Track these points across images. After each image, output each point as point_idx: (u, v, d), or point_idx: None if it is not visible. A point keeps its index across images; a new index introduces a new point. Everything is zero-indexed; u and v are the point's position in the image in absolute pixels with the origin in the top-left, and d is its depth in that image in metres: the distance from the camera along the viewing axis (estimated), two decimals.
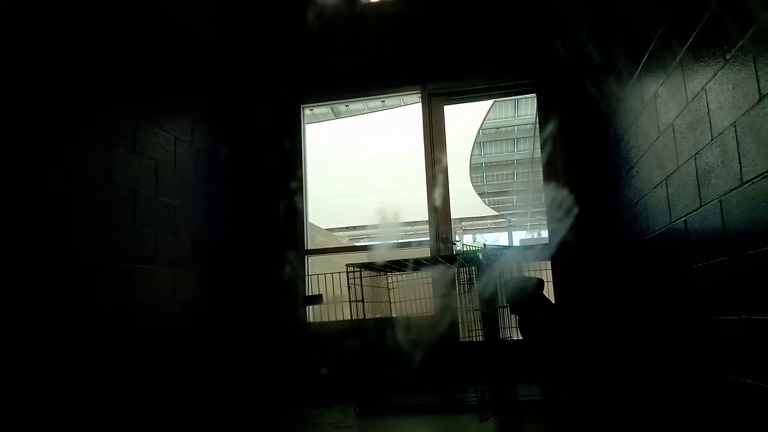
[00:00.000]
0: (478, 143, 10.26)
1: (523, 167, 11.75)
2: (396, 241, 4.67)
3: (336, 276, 3.88)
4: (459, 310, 3.65)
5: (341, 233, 13.02)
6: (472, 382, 3.09)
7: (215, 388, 3.74)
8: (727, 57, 1.94)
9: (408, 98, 5.95)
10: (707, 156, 2.16)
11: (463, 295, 3.19)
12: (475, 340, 2.97)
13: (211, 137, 4.03)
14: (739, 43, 1.84)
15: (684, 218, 2.43)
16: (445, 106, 4.46)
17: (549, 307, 3.28)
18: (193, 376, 3.50)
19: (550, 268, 3.59)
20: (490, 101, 7.86)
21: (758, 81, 1.74)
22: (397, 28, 4.43)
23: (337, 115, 8.00)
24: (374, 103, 7.24)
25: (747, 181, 1.85)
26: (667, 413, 2.73)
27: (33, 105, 2.43)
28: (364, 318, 3.39)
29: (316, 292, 4.15)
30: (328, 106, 7.21)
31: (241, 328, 4.13)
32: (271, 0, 4.64)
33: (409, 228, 12.38)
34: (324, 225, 9.65)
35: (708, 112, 2.12)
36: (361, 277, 3.42)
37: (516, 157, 11.34)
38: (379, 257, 3.65)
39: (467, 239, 15.36)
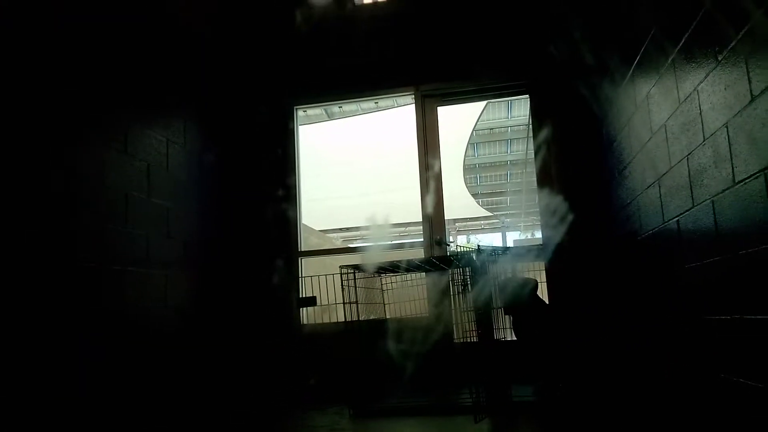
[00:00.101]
0: (472, 144, 10.27)
1: (517, 168, 11.77)
2: (389, 243, 4.66)
3: (330, 278, 3.88)
4: (453, 311, 3.64)
5: (335, 235, 13.00)
6: (467, 383, 3.09)
7: (209, 390, 3.72)
8: (719, 58, 1.94)
9: (401, 99, 5.96)
10: (699, 157, 2.17)
11: (457, 296, 3.19)
12: (469, 341, 2.97)
13: (204, 139, 4.01)
14: (731, 44, 1.85)
15: (677, 218, 2.44)
16: (438, 107, 4.46)
17: (543, 308, 3.29)
18: (187, 378, 3.48)
19: (544, 268, 3.60)
20: (484, 102, 7.88)
21: (750, 82, 1.75)
22: (391, 29, 4.43)
23: (330, 117, 7.99)
24: (368, 104, 7.24)
25: (739, 182, 1.86)
26: (661, 413, 2.73)
27: (24, 107, 2.41)
28: (359, 320, 3.38)
29: (310, 294, 4.13)
30: (322, 108, 7.20)
31: (235, 330, 4.11)
32: (263, 2, 4.63)
33: (402, 229, 12.39)
34: (317, 227, 9.63)
35: (700, 113, 2.13)
36: (354, 279, 3.41)
37: (509, 158, 11.36)
38: (373, 259, 3.64)
39: (461, 240, 15.37)
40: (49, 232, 2.49)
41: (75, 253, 2.63)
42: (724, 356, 2.06)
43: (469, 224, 15.53)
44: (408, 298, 3.95)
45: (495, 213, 14.72)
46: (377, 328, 3.76)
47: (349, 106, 7.53)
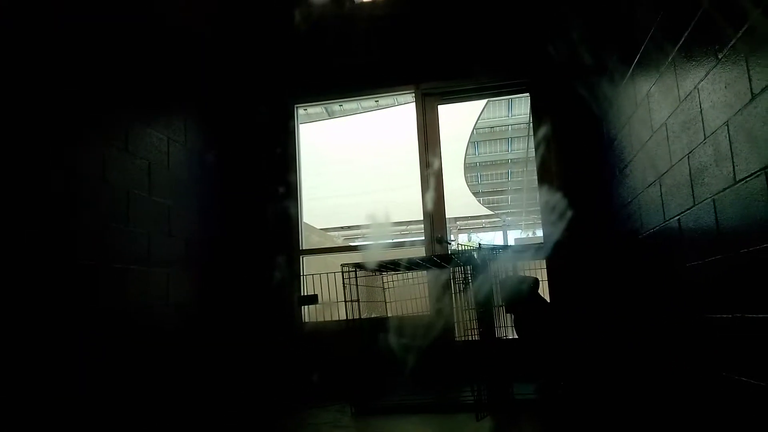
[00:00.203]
0: (473, 143, 10.28)
1: (518, 167, 11.78)
2: (390, 241, 4.67)
3: (331, 276, 3.88)
4: (455, 309, 3.65)
5: (336, 233, 13.02)
6: (468, 381, 3.09)
7: (211, 388, 3.73)
8: (719, 56, 1.94)
9: (402, 98, 5.95)
10: (700, 155, 2.17)
11: (458, 295, 3.19)
12: (470, 339, 2.97)
13: (205, 137, 4.02)
14: (731, 42, 1.85)
15: (678, 217, 2.44)
16: (438, 106, 4.46)
17: (544, 306, 3.29)
18: (189, 376, 3.49)
19: (545, 267, 3.61)
20: (484, 101, 7.88)
21: (750, 80, 1.75)
22: (391, 28, 4.43)
23: (331, 115, 8.00)
24: (368, 102, 7.24)
25: (740, 180, 1.86)
26: (662, 411, 2.74)
27: (25, 106, 2.42)
28: (360, 318, 3.39)
29: (311, 292, 4.14)
30: (322, 106, 7.21)
31: (237, 328, 4.12)
32: (263, 1, 4.63)
33: (404, 228, 12.39)
34: (319, 225, 9.64)
35: (701, 111, 2.13)
36: (356, 277, 3.42)
37: (510, 156, 11.37)
38: (374, 257, 3.65)
39: (462, 239, 15.37)
40: (50, 230, 2.49)
41: (76, 252, 2.64)
42: (725, 355, 2.06)
43: (470, 223, 15.54)
44: (409, 297, 3.95)
45: (496, 211, 14.72)
46: (379, 326, 3.77)
47: (349, 105, 7.53)
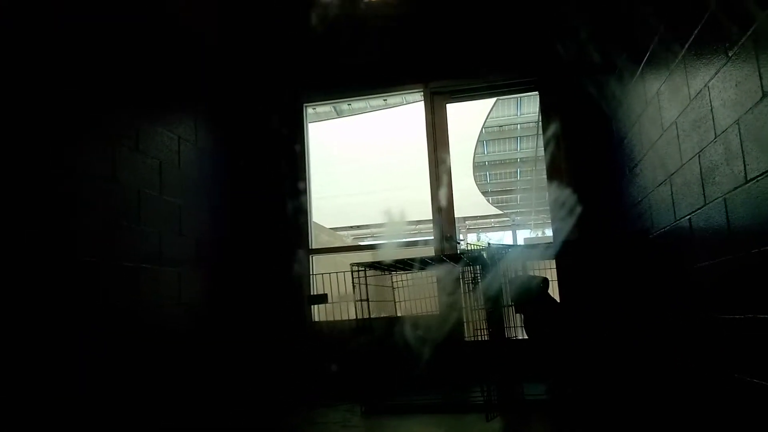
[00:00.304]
0: (481, 142, 10.25)
1: (527, 165, 11.73)
2: (401, 241, 4.67)
3: (341, 275, 3.89)
4: (464, 309, 3.65)
5: (345, 232, 13.03)
6: (478, 382, 3.09)
7: (221, 386, 3.75)
8: (730, 54, 1.93)
9: (410, 96, 5.94)
10: (711, 154, 2.16)
11: (468, 295, 3.19)
12: (480, 339, 2.97)
13: (215, 136, 4.04)
14: (741, 41, 1.84)
15: (688, 216, 2.43)
16: (447, 105, 4.46)
17: (554, 306, 3.28)
18: (200, 374, 3.52)
19: (555, 266, 3.59)
20: (493, 99, 7.86)
21: (761, 78, 1.74)
22: (400, 27, 4.43)
23: (339, 114, 8.01)
24: (377, 101, 7.24)
25: (751, 179, 1.85)
26: (673, 412, 2.73)
27: (37, 105, 2.44)
28: (370, 317, 3.40)
29: (321, 292, 4.15)
30: (331, 105, 7.21)
31: (247, 327, 4.14)
32: (274, 1, 4.64)
33: (413, 227, 12.38)
34: (328, 224, 9.66)
35: (711, 110, 2.12)
36: (365, 277, 3.43)
37: (519, 155, 11.32)
38: (384, 256, 3.65)
39: (471, 238, 15.34)
40: (61, 228, 2.52)
41: (87, 250, 2.66)
42: (737, 356, 2.05)
43: (479, 222, 15.50)
44: (419, 296, 3.95)
45: (505, 211, 14.68)
46: (388, 325, 3.78)
47: (358, 104, 7.53)
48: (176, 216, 3.45)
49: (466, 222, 14.33)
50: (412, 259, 3.46)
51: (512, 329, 3.25)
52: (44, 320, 2.37)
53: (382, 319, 3.79)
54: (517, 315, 3.32)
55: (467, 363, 3.63)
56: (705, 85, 2.15)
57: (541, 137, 4.67)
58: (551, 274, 3.49)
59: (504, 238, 16.50)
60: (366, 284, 3.42)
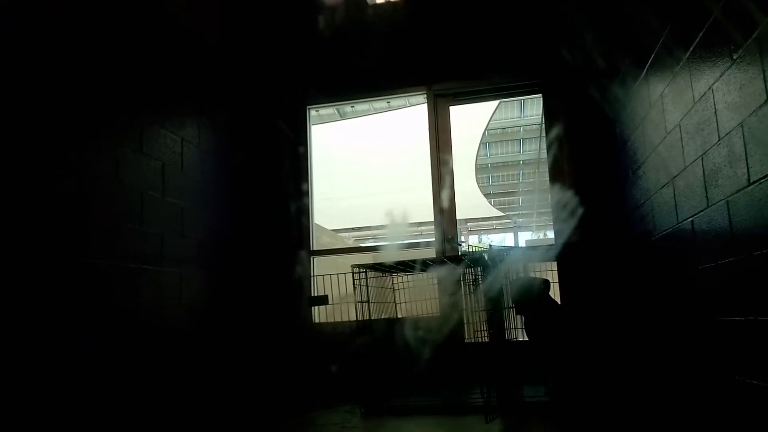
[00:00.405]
0: (484, 144, 10.24)
1: (529, 168, 11.71)
2: (402, 242, 4.67)
3: (342, 277, 3.89)
4: (465, 310, 3.64)
5: (347, 234, 13.03)
6: (478, 383, 3.09)
7: (221, 387, 3.75)
8: (734, 57, 1.93)
9: (413, 99, 5.95)
10: (714, 156, 2.15)
11: (468, 296, 3.19)
12: (480, 341, 2.97)
13: (218, 138, 4.05)
14: (746, 44, 1.84)
15: (691, 219, 2.42)
16: (450, 107, 4.46)
17: (555, 308, 3.28)
18: (200, 375, 3.52)
19: (556, 268, 3.59)
20: (496, 102, 7.85)
21: (765, 81, 1.74)
22: (404, 29, 4.44)
23: (342, 116, 8.00)
24: (380, 104, 7.25)
25: (754, 182, 1.85)
26: (674, 414, 2.72)
27: (39, 105, 2.45)
28: (370, 319, 3.39)
29: (321, 293, 4.15)
30: (334, 107, 7.22)
31: (247, 328, 4.14)
32: (276, 2, 4.65)
33: (414, 229, 12.37)
34: (329, 226, 9.66)
35: (715, 113, 2.12)
36: (366, 278, 3.42)
37: (522, 157, 11.30)
38: (385, 258, 3.65)
39: (473, 240, 15.33)
40: (64, 229, 2.52)
41: (90, 251, 2.67)
42: (738, 358, 2.04)
43: (481, 224, 15.48)
44: (419, 298, 3.95)
45: (507, 213, 14.66)
46: (389, 327, 3.77)
47: (361, 106, 7.53)
48: (178, 217, 3.46)
49: (468, 224, 14.32)
50: (414, 261, 3.45)
51: (513, 331, 3.25)
52: (46, 320, 2.37)
53: (382, 320, 3.79)
54: (518, 317, 3.32)
55: (467, 364, 3.62)
56: (709, 88, 2.15)
57: (543, 140, 4.67)
58: (553, 276, 3.49)
59: (505, 240, 16.48)
60: (367, 286, 3.42)
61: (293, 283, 4.28)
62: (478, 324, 3.00)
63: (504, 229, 16.23)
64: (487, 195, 12.52)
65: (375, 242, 13.18)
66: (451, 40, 4.36)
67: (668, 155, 2.66)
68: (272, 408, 3.59)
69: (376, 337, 3.45)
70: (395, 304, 3.97)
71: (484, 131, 9.08)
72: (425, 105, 4.46)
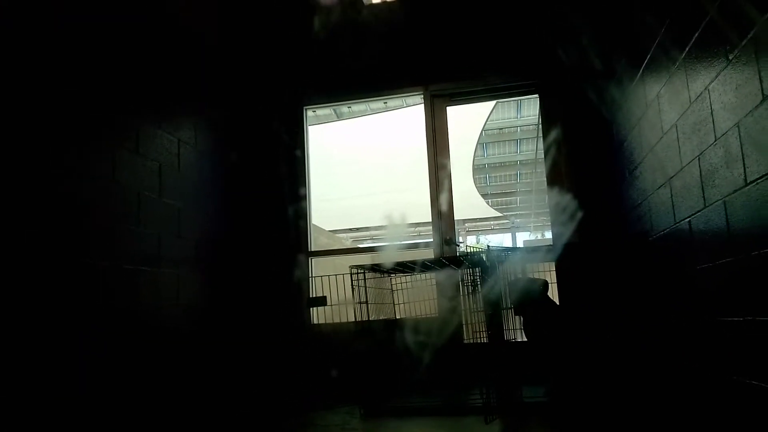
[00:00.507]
0: (481, 144, 10.25)
1: (527, 168, 11.73)
2: (400, 243, 4.67)
3: (340, 277, 3.89)
4: (463, 311, 3.65)
5: (344, 235, 13.03)
6: (477, 384, 3.09)
7: (220, 388, 3.74)
8: (730, 57, 1.94)
9: (410, 99, 5.96)
10: (711, 157, 2.16)
11: (467, 297, 3.19)
12: (479, 341, 2.97)
13: (215, 139, 4.04)
14: (742, 43, 1.84)
15: (688, 219, 2.43)
16: (447, 107, 4.46)
17: (553, 309, 3.28)
18: (198, 376, 3.51)
19: (555, 269, 3.59)
20: (493, 102, 7.86)
21: (761, 81, 1.74)
22: (400, 30, 4.44)
23: (339, 117, 8.01)
24: (377, 104, 7.25)
25: (751, 182, 1.85)
26: (673, 415, 2.72)
27: (38, 104, 2.44)
28: (369, 320, 3.39)
29: (320, 294, 4.15)
30: (331, 108, 7.22)
31: (246, 329, 4.14)
32: (272, 3, 4.65)
33: (412, 229, 12.38)
34: (327, 227, 9.65)
35: (711, 113, 2.12)
36: (365, 279, 3.42)
37: (519, 157, 11.32)
38: (383, 259, 3.65)
39: (471, 240, 15.35)
40: (60, 230, 2.51)
41: (86, 252, 2.66)
42: (736, 358, 2.05)
43: (479, 224, 15.50)
44: (418, 299, 3.95)
45: (505, 213, 14.68)
46: (387, 328, 3.77)
47: (358, 106, 7.54)
48: (175, 218, 3.45)
49: (466, 224, 14.34)
50: (413, 262, 3.45)
51: (512, 331, 3.25)
52: (44, 320, 2.36)
53: (381, 321, 3.79)
54: (517, 317, 3.32)
55: (466, 365, 3.62)
56: (705, 88, 2.15)
57: (540, 140, 4.68)
58: (551, 277, 3.49)
59: (503, 240, 16.50)
60: (365, 287, 3.42)
61: (291, 283, 4.28)
62: (477, 325, 3.00)
63: (502, 230, 16.25)
64: (484, 195, 12.54)
65: (373, 243, 13.19)
66: (447, 40, 4.36)
67: (665, 155, 2.66)
68: (272, 408, 3.59)
69: (375, 338, 3.45)
70: (394, 305, 3.97)
71: (481, 131, 9.09)
72: (422, 105, 4.47)
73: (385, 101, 6.78)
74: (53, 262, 2.44)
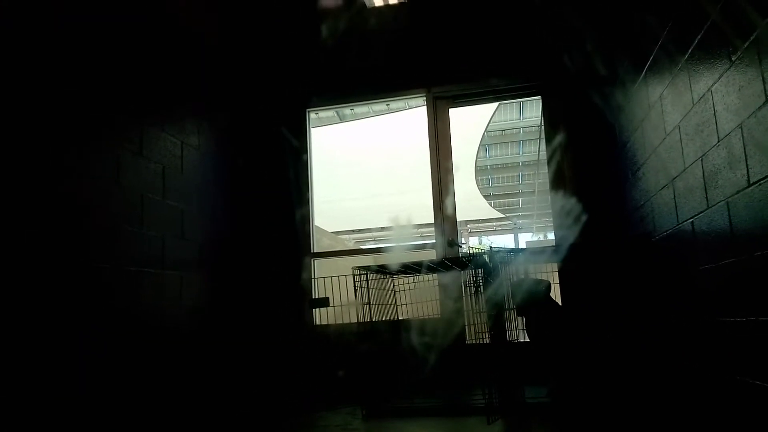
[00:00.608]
0: (484, 145, 10.25)
1: (529, 169, 11.73)
2: (403, 245, 4.67)
3: (342, 279, 3.89)
4: (466, 312, 3.65)
5: (347, 236, 13.04)
6: (479, 384, 3.09)
7: (222, 389, 3.75)
8: (733, 59, 1.94)
9: (413, 101, 5.96)
10: (714, 158, 2.16)
11: (469, 298, 3.19)
12: (482, 342, 2.97)
13: (218, 141, 4.05)
14: (744, 45, 1.84)
15: (691, 220, 2.43)
16: (450, 109, 4.47)
17: (556, 309, 3.28)
18: (201, 377, 3.52)
19: (557, 270, 3.59)
20: (495, 104, 7.86)
21: (764, 82, 1.74)
22: (403, 32, 4.45)
23: (342, 119, 8.02)
24: (379, 106, 7.26)
25: (754, 183, 1.85)
26: (676, 415, 2.72)
27: (41, 105, 2.45)
28: (371, 321, 3.39)
29: (322, 295, 4.15)
30: (334, 110, 7.23)
31: (248, 330, 4.15)
32: (276, 5, 4.66)
33: (414, 231, 12.38)
34: (330, 228, 9.66)
35: (714, 114, 2.12)
36: (367, 280, 3.43)
37: (521, 159, 11.32)
38: (386, 260, 3.65)
39: (473, 242, 15.34)
40: (63, 232, 2.52)
41: (90, 254, 2.67)
42: (739, 358, 2.05)
43: (481, 226, 15.49)
44: (420, 300, 3.95)
45: (507, 214, 14.67)
46: (390, 329, 3.77)
47: (360, 109, 7.55)
48: (179, 220, 3.46)
49: (468, 225, 14.33)
50: (417, 264, 3.46)
51: (514, 332, 3.25)
52: (46, 321, 2.37)
53: (383, 322, 3.79)
54: (519, 318, 3.32)
55: (469, 366, 3.63)
56: (708, 90, 2.15)
57: (543, 141, 4.68)
58: (553, 278, 3.49)
59: (506, 241, 16.49)
60: (368, 288, 3.42)
61: (294, 285, 4.29)
62: (480, 325, 3.00)
63: (504, 231, 16.24)
64: (487, 196, 12.54)
65: (375, 244, 13.19)
66: (449, 42, 4.37)
67: (668, 156, 2.66)
68: (273, 408, 3.59)
69: (377, 338, 3.45)
70: (396, 306, 3.97)
71: (484, 133, 9.09)
72: (424, 107, 4.47)
73: (387, 103, 6.79)
74: (53, 262, 2.45)
